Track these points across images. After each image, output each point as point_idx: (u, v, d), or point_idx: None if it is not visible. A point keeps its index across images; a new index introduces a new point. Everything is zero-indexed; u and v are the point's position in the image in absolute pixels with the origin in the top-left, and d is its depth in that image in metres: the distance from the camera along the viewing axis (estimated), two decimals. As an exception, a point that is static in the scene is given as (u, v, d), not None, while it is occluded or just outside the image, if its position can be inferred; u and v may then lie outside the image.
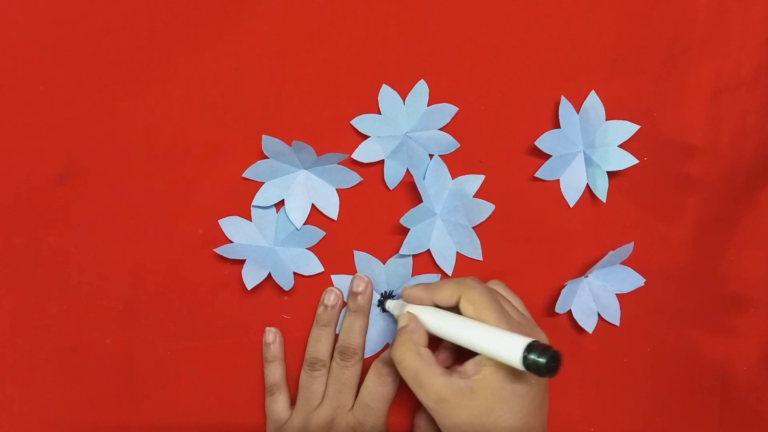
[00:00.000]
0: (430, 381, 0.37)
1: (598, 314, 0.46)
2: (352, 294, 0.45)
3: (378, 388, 0.42)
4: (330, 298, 0.45)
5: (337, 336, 0.45)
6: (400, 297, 0.44)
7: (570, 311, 0.45)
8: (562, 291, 0.44)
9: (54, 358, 0.45)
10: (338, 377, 0.43)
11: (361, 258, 0.45)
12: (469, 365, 0.38)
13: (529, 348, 0.33)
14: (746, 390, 0.48)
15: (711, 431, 0.48)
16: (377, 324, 0.45)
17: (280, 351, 0.45)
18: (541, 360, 0.32)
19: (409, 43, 0.45)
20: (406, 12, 0.45)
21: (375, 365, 0.43)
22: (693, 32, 0.47)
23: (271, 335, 0.45)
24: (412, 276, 0.45)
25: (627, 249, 0.45)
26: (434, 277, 0.46)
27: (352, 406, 0.43)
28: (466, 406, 0.36)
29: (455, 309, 0.39)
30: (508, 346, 0.34)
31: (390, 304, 0.44)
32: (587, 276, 0.45)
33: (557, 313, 0.45)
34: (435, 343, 0.40)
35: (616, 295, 0.46)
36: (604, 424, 0.47)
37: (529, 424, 0.37)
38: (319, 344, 0.44)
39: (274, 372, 0.45)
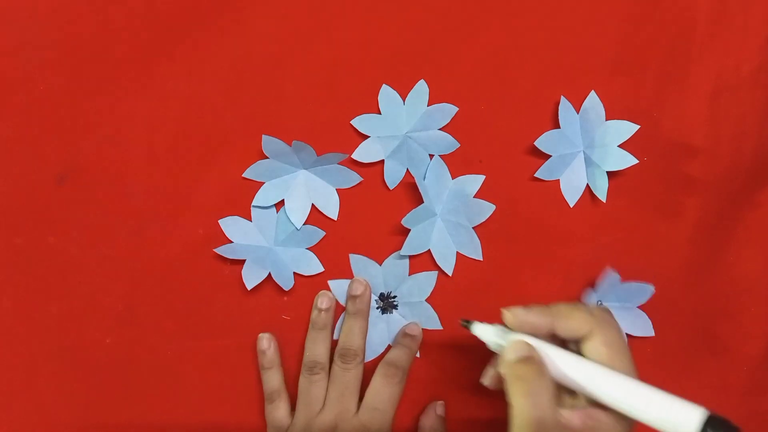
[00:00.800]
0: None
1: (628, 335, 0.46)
2: (351, 297, 0.44)
3: (386, 390, 0.42)
4: (323, 301, 0.45)
5: (335, 341, 0.45)
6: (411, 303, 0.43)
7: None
8: None
9: (54, 358, 0.45)
10: (340, 381, 0.43)
11: (356, 261, 0.45)
12: (576, 416, 0.31)
13: (710, 422, 0.28)
14: (746, 390, 0.48)
15: (711, 431, 0.48)
16: (377, 327, 0.45)
17: (276, 357, 0.45)
18: None
19: (409, 43, 0.45)
20: (406, 12, 0.45)
21: (381, 367, 0.43)
22: (693, 32, 0.47)
23: (266, 342, 0.45)
24: (409, 275, 0.45)
25: (646, 290, 0.45)
26: (431, 275, 0.45)
27: (356, 410, 0.42)
28: None
29: (572, 342, 0.33)
30: (682, 419, 0.29)
31: (482, 330, 0.35)
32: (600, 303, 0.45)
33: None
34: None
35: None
36: (604, 424, 0.47)
37: None
38: (316, 347, 0.44)
39: (272, 379, 0.44)
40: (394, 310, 0.46)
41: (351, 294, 0.45)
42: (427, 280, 0.45)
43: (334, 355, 0.44)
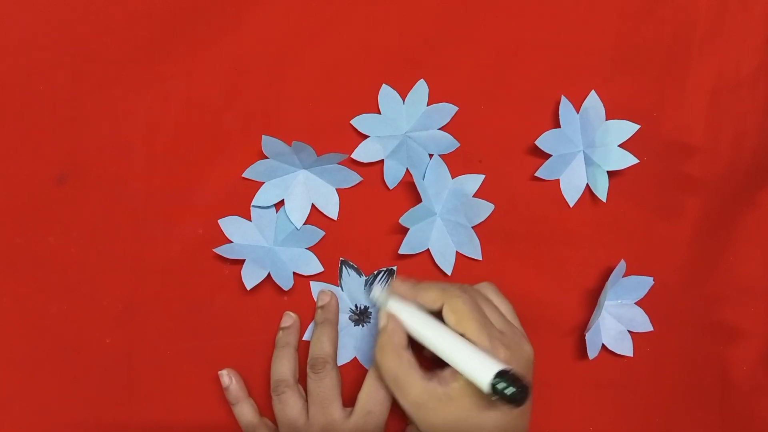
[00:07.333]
0: (409, 385, 0.37)
1: (629, 332, 0.46)
2: (318, 308, 0.45)
3: (379, 392, 0.41)
4: (284, 320, 0.45)
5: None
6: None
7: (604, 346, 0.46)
8: (587, 337, 0.44)
9: (54, 358, 0.45)
10: (316, 393, 0.42)
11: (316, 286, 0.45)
12: (448, 372, 0.37)
13: (500, 375, 0.33)
14: (746, 390, 0.48)
15: (711, 431, 0.48)
16: (350, 332, 0.45)
17: (242, 390, 0.44)
18: (509, 390, 0.33)
19: (409, 43, 0.45)
20: (406, 12, 0.45)
21: (372, 370, 0.42)
22: (693, 32, 0.47)
23: (227, 378, 0.44)
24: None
25: (644, 283, 0.45)
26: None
27: (343, 416, 0.42)
28: (444, 411, 0.36)
29: (438, 313, 0.39)
30: (479, 370, 0.34)
31: (376, 292, 0.43)
32: (604, 299, 0.45)
33: (557, 313, 0.45)
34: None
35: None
36: (604, 424, 0.47)
37: None
38: (278, 365, 0.43)
39: (244, 413, 0.44)
40: (369, 320, 0.45)
41: (317, 305, 0.45)
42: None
43: (306, 368, 0.43)
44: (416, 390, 0.37)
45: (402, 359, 0.38)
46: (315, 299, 0.45)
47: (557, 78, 0.46)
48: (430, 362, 0.40)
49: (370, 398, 0.42)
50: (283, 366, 0.43)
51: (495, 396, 0.33)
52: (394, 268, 0.45)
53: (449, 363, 0.36)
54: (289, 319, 0.45)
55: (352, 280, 0.45)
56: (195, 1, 0.45)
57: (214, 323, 0.45)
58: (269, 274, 0.44)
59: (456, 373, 0.36)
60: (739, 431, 0.48)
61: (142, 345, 0.45)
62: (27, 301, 0.45)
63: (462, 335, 0.37)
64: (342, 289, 0.45)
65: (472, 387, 0.36)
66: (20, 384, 0.45)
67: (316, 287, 0.45)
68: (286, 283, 0.44)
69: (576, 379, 0.47)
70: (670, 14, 0.46)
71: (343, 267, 0.45)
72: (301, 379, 0.44)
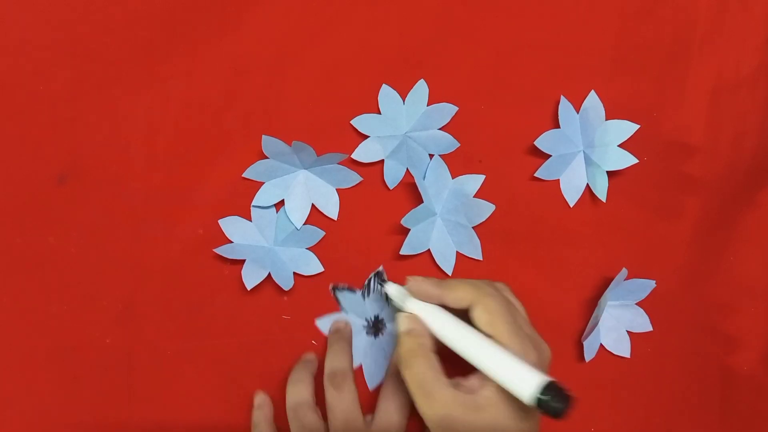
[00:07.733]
0: (437, 393, 0.35)
1: (628, 332, 0.46)
2: (332, 333, 0.45)
3: (397, 398, 0.42)
4: (302, 358, 0.45)
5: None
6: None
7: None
8: (585, 343, 0.44)
9: (54, 358, 0.45)
10: (339, 409, 0.41)
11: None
12: (475, 379, 0.36)
13: (545, 389, 0.32)
14: (747, 390, 0.48)
15: (711, 431, 0.48)
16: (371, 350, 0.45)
17: (267, 421, 0.44)
18: (556, 405, 0.32)
19: (409, 43, 0.46)
20: (406, 12, 0.45)
21: (392, 376, 0.42)
22: (693, 32, 0.47)
23: (260, 403, 0.44)
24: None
25: (646, 286, 0.45)
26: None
27: (366, 425, 0.41)
28: (470, 421, 0.35)
29: (463, 312, 0.37)
30: (520, 381, 0.33)
31: (392, 289, 0.40)
32: (602, 310, 0.45)
33: (557, 313, 0.45)
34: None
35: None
36: (604, 424, 0.47)
37: None
38: (298, 387, 0.42)
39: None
40: (384, 330, 0.46)
41: (332, 330, 0.45)
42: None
43: (324, 381, 0.42)
44: (444, 398, 0.35)
45: (432, 364, 0.36)
46: (325, 334, 0.45)
47: (557, 78, 0.46)
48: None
49: (391, 403, 0.41)
50: (304, 389, 0.42)
51: (540, 408, 0.32)
52: (381, 268, 0.45)
53: (483, 371, 0.35)
54: (304, 363, 0.45)
55: (349, 299, 0.45)
56: (195, 1, 0.45)
57: (214, 323, 0.45)
58: (269, 274, 0.44)
59: (484, 380, 0.35)
60: (739, 431, 0.48)
61: (142, 345, 0.45)
62: (27, 301, 0.45)
63: (491, 336, 0.36)
64: (346, 313, 0.45)
65: (502, 395, 0.34)
66: (20, 384, 0.45)
67: (323, 324, 0.45)
68: (286, 283, 0.44)
69: (576, 380, 0.47)
70: (670, 14, 0.47)
71: (335, 292, 0.45)
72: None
